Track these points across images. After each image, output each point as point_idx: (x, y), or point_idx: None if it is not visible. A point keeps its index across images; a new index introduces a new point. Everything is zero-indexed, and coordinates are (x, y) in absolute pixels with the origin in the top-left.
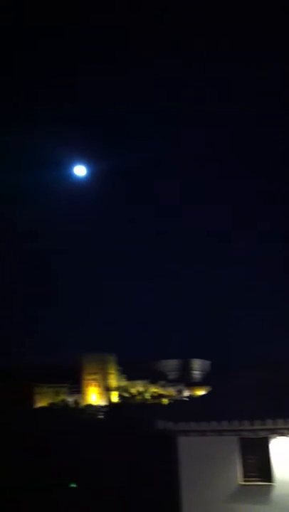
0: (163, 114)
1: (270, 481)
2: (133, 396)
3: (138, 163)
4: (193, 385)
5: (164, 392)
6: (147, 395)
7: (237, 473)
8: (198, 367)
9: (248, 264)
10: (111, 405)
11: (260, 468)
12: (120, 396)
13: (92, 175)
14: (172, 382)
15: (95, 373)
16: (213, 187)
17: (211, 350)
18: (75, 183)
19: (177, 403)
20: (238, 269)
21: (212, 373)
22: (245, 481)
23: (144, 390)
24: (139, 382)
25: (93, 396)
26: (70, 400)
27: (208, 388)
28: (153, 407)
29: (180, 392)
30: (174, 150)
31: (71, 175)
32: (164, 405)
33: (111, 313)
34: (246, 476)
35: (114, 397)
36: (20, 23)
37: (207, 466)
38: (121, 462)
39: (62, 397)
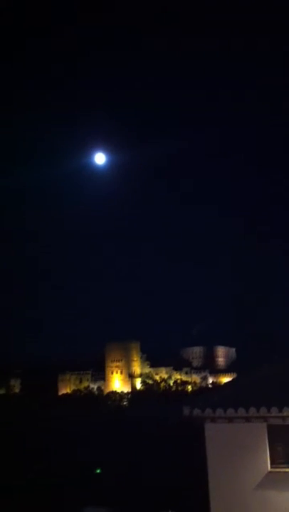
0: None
1: None
2: (157, 383)
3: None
4: (217, 372)
5: (188, 379)
6: (171, 382)
7: (265, 460)
8: (222, 354)
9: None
10: (134, 392)
11: None
12: (144, 383)
13: (112, 163)
14: (196, 369)
15: (119, 360)
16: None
17: (238, 338)
18: (95, 170)
19: (203, 390)
20: (264, 257)
21: (238, 360)
22: (273, 467)
23: (167, 376)
24: (163, 369)
25: (117, 383)
26: (94, 386)
27: (234, 375)
28: (177, 393)
29: (204, 379)
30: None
31: (91, 163)
32: (188, 392)
33: (135, 299)
34: (275, 463)
35: (138, 384)
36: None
37: (234, 453)
38: (145, 448)
39: (85, 383)
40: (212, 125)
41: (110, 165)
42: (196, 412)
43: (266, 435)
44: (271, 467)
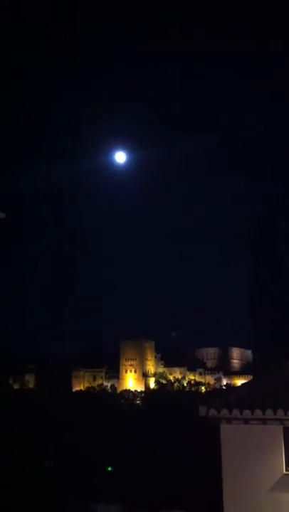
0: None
1: None
2: (170, 383)
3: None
4: (232, 373)
5: (202, 380)
6: (185, 383)
7: (281, 463)
8: (237, 356)
9: None
10: (148, 391)
11: None
12: (158, 382)
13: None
14: (210, 370)
15: (133, 359)
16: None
17: (254, 339)
18: (116, 169)
19: (217, 391)
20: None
21: (254, 362)
22: None
23: (181, 377)
24: (176, 369)
25: (130, 381)
26: (108, 384)
27: (249, 377)
28: (191, 394)
29: (218, 380)
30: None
31: (112, 161)
32: (201, 393)
33: (151, 299)
34: None
35: (152, 384)
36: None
37: (250, 455)
38: (161, 447)
39: (99, 381)
40: (233, 125)
41: (131, 163)
42: (212, 412)
43: (282, 438)
44: (286, 470)
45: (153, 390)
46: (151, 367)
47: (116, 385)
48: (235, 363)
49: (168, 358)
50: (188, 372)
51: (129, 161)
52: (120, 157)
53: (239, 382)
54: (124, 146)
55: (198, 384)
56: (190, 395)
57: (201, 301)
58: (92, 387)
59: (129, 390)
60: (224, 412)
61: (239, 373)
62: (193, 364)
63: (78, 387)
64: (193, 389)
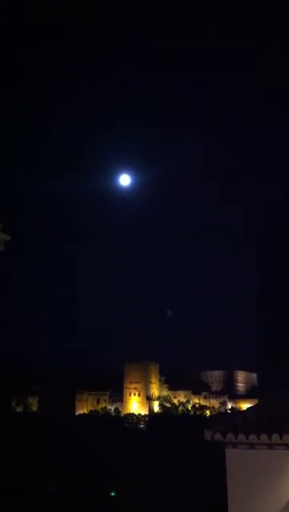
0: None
1: None
2: (175, 406)
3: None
4: (237, 397)
5: (207, 404)
6: (189, 406)
7: (288, 488)
8: (242, 379)
9: None
10: (152, 415)
11: None
12: (162, 406)
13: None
14: (215, 394)
15: (137, 382)
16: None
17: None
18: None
19: (222, 414)
20: None
21: (259, 385)
22: None
23: (186, 400)
24: (181, 392)
25: (134, 405)
26: (111, 408)
27: (254, 401)
28: (195, 417)
29: (223, 404)
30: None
31: (116, 184)
32: (206, 417)
33: (155, 319)
34: None
35: (156, 407)
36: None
37: (256, 480)
38: (165, 471)
39: (103, 404)
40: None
41: (135, 186)
42: (218, 437)
43: None
44: None
45: (157, 413)
46: (155, 390)
47: (120, 409)
48: (241, 386)
49: (172, 381)
50: (192, 396)
51: (134, 184)
52: (125, 180)
53: (244, 406)
54: (128, 169)
55: (203, 408)
56: (195, 419)
57: (207, 323)
58: (95, 410)
59: (133, 413)
60: (230, 436)
61: (244, 397)
62: (198, 387)
63: (82, 410)
64: (198, 413)
